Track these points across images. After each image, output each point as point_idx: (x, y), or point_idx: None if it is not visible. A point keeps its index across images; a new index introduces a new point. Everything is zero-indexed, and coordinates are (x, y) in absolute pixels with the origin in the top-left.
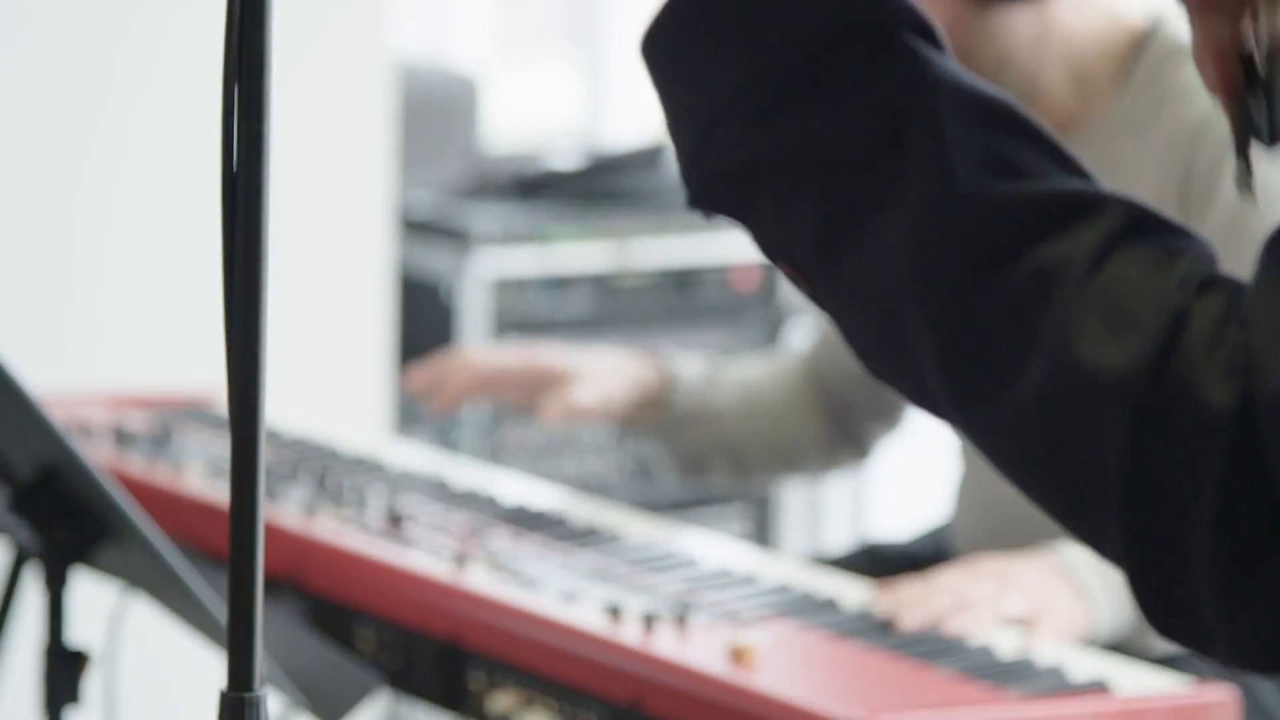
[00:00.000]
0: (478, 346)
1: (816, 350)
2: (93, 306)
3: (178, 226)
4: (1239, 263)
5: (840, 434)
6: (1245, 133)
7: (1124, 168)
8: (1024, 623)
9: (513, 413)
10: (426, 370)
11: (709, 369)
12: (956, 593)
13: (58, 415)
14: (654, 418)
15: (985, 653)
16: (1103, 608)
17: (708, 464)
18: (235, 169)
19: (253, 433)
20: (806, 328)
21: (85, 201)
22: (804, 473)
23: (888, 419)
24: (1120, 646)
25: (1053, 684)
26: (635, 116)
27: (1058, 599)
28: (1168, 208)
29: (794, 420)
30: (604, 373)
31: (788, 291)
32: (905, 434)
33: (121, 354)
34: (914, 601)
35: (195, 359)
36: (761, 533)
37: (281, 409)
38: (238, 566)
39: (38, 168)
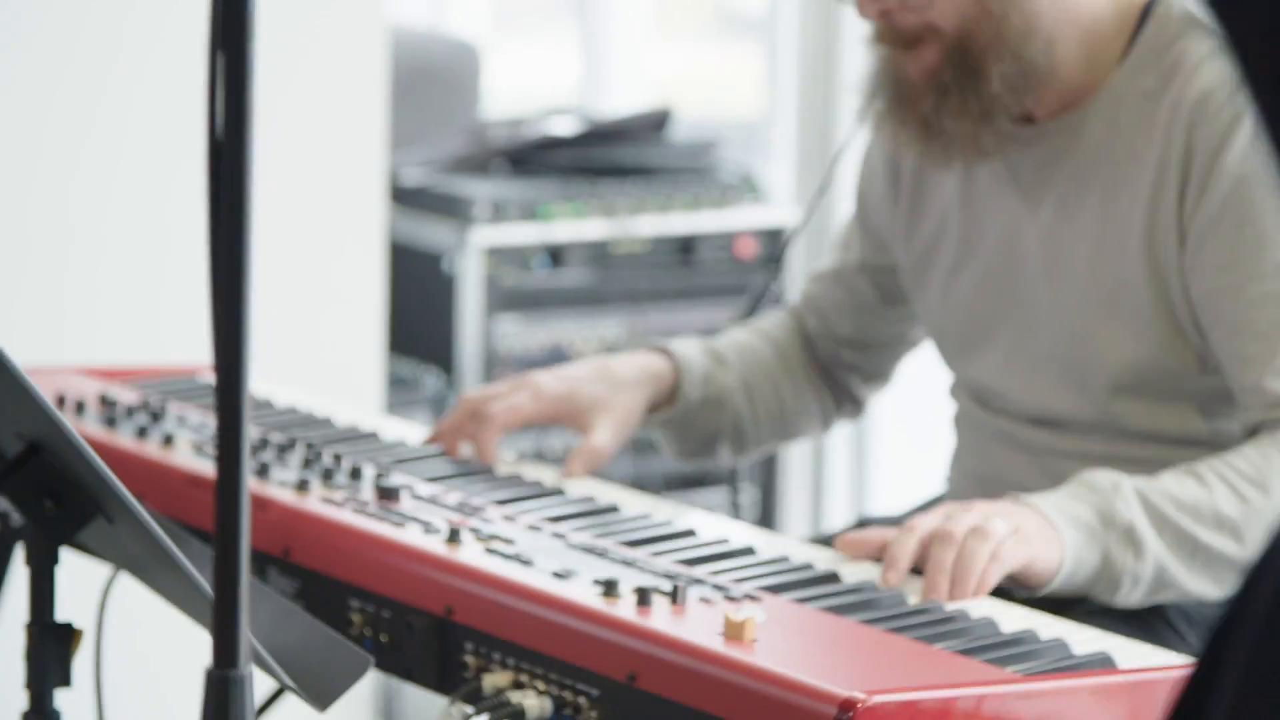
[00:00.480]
0: (480, 390)
1: (801, 314)
2: (87, 284)
3: (172, 203)
4: (1237, 240)
5: (836, 395)
6: None
7: (1130, 139)
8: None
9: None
10: (448, 430)
11: (709, 345)
12: (949, 539)
13: (45, 389)
14: (668, 411)
15: (987, 627)
16: (1068, 544)
17: (713, 446)
18: (219, 137)
19: (237, 403)
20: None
21: (81, 178)
22: (805, 437)
23: (879, 378)
24: (1085, 600)
25: (1055, 660)
26: (633, 92)
27: (1029, 521)
28: (1170, 181)
29: (795, 388)
30: (614, 389)
31: (791, 259)
32: (906, 416)
33: (115, 331)
34: (909, 562)
35: (191, 336)
36: (764, 516)
37: (275, 385)
38: (223, 542)
39: (34, 147)
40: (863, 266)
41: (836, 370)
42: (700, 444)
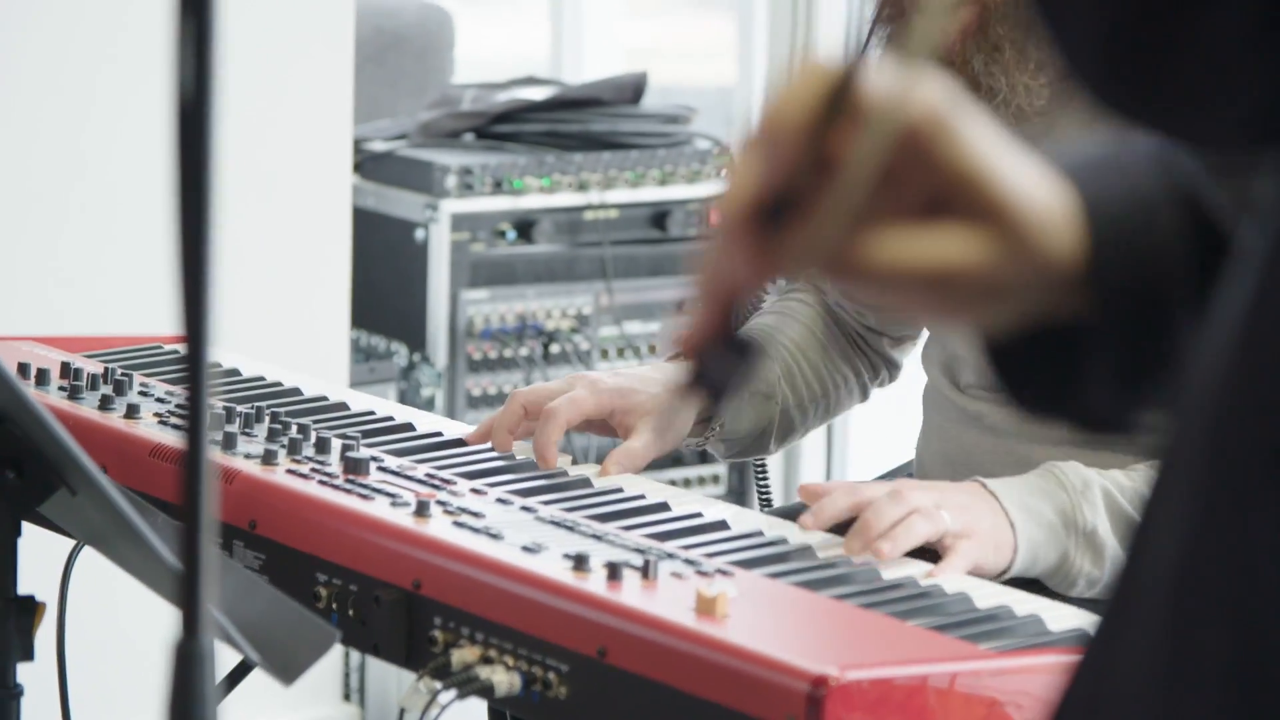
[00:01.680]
0: (530, 387)
1: (819, 284)
2: (42, 256)
3: (126, 177)
4: None
5: (870, 362)
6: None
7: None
8: (951, 538)
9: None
10: (500, 427)
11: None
12: (887, 516)
13: (6, 359)
14: (720, 418)
15: (962, 602)
16: (1021, 541)
17: (763, 441)
18: (185, 102)
19: (200, 371)
20: None
21: (38, 151)
22: (845, 411)
23: (908, 338)
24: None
25: (1030, 637)
26: (605, 64)
27: (984, 521)
28: None
29: (830, 364)
30: (659, 395)
31: None
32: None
33: (67, 304)
34: (850, 529)
35: (143, 308)
36: (737, 487)
37: (242, 356)
38: (189, 513)
39: (27, 128)
40: None
41: (866, 335)
42: (750, 442)
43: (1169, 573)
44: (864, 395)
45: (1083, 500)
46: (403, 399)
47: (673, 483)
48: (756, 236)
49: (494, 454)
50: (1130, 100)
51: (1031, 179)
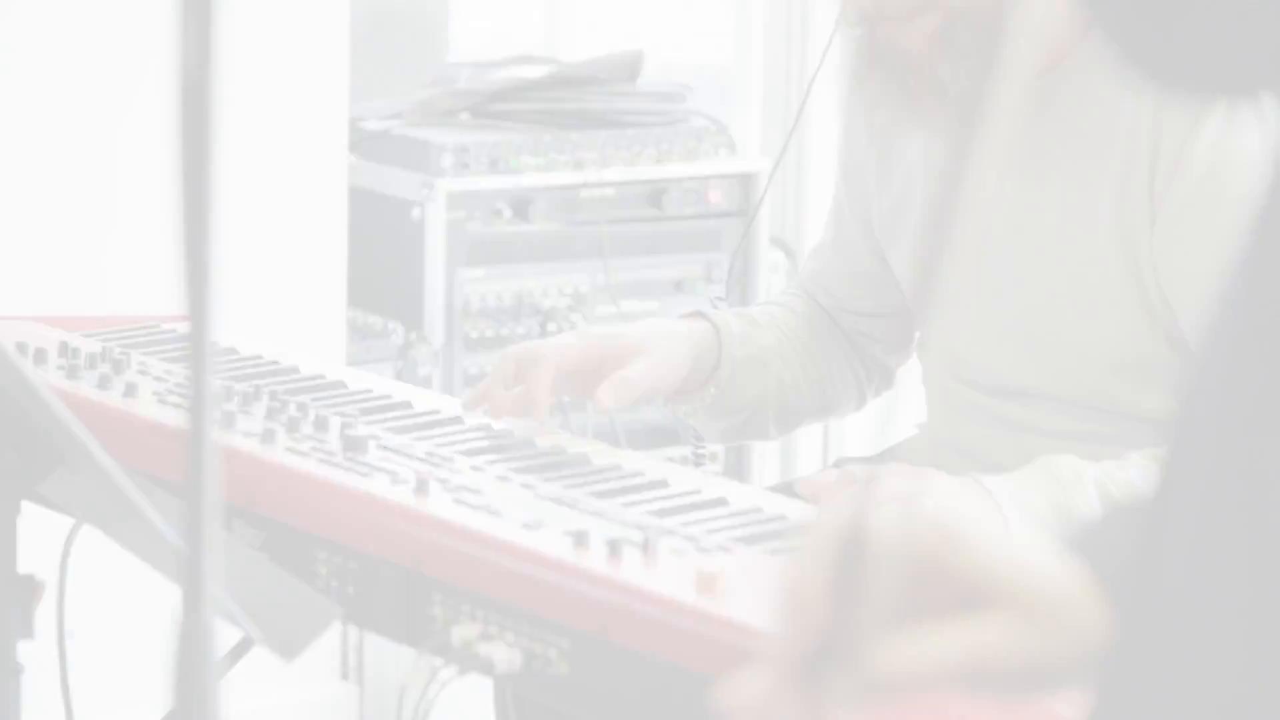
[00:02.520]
0: (524, 345)
1: (812, 290)
2: (37, 235)
3: (121, 153)
4: (1209, 226)
5: (865, 365)
6: None
7: (1099, 113)
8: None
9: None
10: (493, 385)
11: (739, 311)
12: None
13: (4, 337)
14: (715, 376)
15: None
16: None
17: (759, 416)
18: (189, 82)
19: (203, 348)
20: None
21: (35, 129)
22: (842, 410)
23: (903, 346)
24: None
25: None
26: (601, 44)
27: (969, 509)
28: (1139, 161)
29: (827, 355)
30: (660, 336)
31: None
32: None
33: (61, 282)
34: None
35: (138, 286)
36: (732, 461)
37: (238, 335)
38: (192, 489)
39: (26, 107)
40: (858, 233)
41: (859, 340)
42: (745, 413)
43: (1198, 482)
44: (861, 395)
45: (1075, 491)
46: (399, 377)
47: (670, 460)
48: (807, 688)
49: (493, 431)
50: (1156, 61)
51: (1047, 562)
